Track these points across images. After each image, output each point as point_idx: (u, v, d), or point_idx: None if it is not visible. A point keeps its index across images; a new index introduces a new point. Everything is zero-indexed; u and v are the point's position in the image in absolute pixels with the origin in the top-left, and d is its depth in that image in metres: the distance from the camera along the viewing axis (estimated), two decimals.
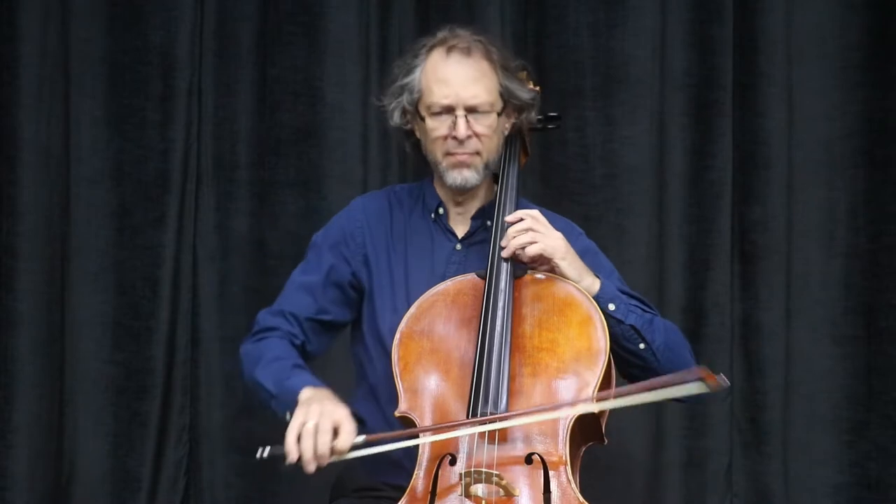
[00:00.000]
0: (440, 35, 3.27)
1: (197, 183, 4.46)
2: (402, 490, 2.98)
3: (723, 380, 2.89)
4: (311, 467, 2.89)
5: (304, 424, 2.90)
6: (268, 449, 2.90)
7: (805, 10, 4.35)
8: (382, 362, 3.20)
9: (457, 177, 3.23)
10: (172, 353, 4.43)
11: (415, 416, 3.00)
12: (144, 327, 4.42)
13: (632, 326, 3.13)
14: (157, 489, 4.41)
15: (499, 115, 3.23)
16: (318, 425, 2.89)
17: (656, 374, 3.13)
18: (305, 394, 3.01)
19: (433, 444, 2.96)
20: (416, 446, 2.98)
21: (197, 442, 4.44)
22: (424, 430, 2.98)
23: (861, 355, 4.31)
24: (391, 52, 4.40)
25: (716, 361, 4.33)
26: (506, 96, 3.25)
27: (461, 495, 2.88)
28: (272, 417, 4.26)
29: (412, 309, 3.12)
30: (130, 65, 4.43)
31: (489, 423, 2.91)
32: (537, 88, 3.37)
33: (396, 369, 3.05)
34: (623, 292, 3.20)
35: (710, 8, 4.37)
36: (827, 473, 4.31)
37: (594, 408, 2.95)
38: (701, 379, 2.89)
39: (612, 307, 3.11)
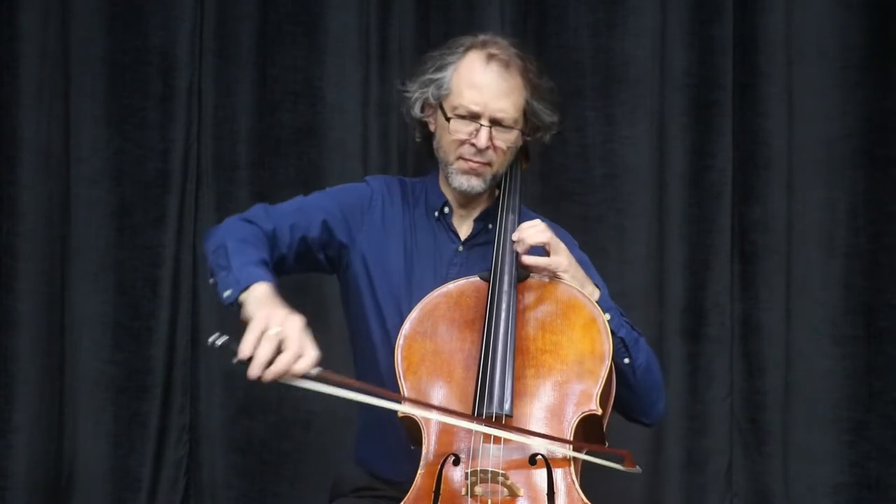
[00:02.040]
0: (482, 38, 3.25)
1: (197, 183, 4.46)
2: (402, 490, 2.98)
3: (637, 470, 2.99)
4: (255, 373, 2.74)
5: (267, 327, 2.77)
6: (223, 338, 2.76)
7: (805, 10, 4.36)
8: (386, 358, 3.18)
9: (464, 182, 3.24)
10: (172, 353, 4.43)
11: (418, 417, 2.99)
12: (144, 327, 4.42)
13: (621, 339, 3.14)
14: (157, 489, 4.42)
15: (521, 133, 3.24)
16: (285, 340, 2.77)
17: (631, 391, 3.17)
18: (260, 288, 2.90)
19: (437, 444, 2.95)
20: (418, 447, 2.97)
21: (197, 442, 4.44)
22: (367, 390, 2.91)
23: (861, 355, 4.31)
24: (391, 52, 4.41)
25: (716, 361, 4.34)
26: (528, 115, 3.24)
27: (465, 495, 2.88)
28: (271, 418, 4.29)
29: (415, 311, 3.11)
30: (130, 65, 4.44)
31: (488, 425, 2.91)
32: (557, 118, 3.32)
33: (400, 370, 3.04)
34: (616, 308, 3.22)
35: (710, 8, 4.38)
36: (827, 473, 4.32)
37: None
38: (621, 458, 2.98)
39: (607, 317, 3.12)
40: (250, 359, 2.75)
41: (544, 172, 4.38)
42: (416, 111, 3.29)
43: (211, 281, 3.04)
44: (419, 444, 2.98)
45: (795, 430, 4.34)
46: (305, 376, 2.78)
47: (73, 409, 4.41)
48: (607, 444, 3.05)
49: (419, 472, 2.95)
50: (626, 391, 3.16)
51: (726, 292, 4.37)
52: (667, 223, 4.39)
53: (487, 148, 3.20)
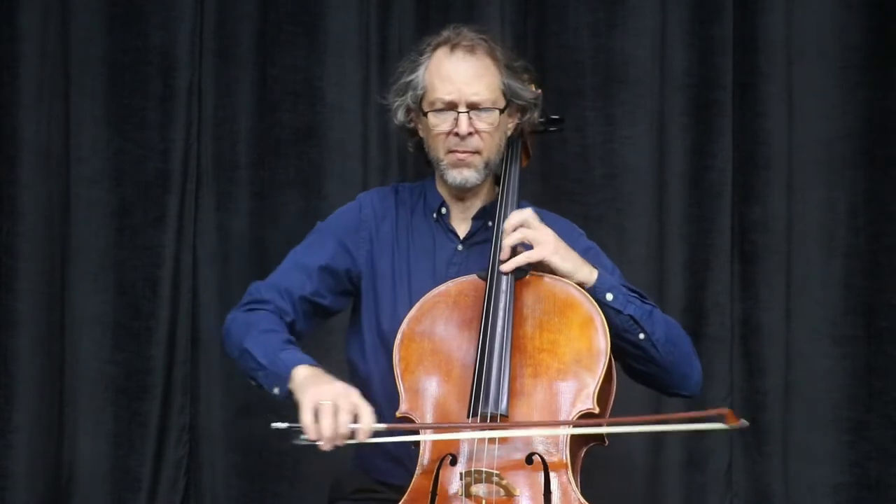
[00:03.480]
0: (444, 34, 3.27)
1: (197, 183, 4.46)
2: (400, 491, 2.98)
3: (744, 424, 2.86)
4: (327, 446, 2.86)
5: (318, 403, 2.86)
6: (283, 424, 2.86)
7: (805, 10, 4.35)
8: (381, 361, 3.20)
9: (457, 176, 3.23)
10: (172, 353, 4.43)
11: (415, 417, 3.00)
12: (144, 327, 4.43)
13: (630, 316, 3.12)
14: (157, 489, 4.42)
15: (501, 112, 3.23)
16: (337, 405, 2.86)
17: (657, 366, 3.15)
18: (302, 372, 2.98)
19: (434, 444, 2.96)
20: (417, 447, 2.98)
21: (197, 442, 4.44)
22: (445, 428, 2.97)
23: (861, 355, 4.31)
24: (391, 52, 4.41)
25: (716, 361, 4.34)
26: (508, 95, 3.24)
27: (462, 495, 2.88)
28: (271, 419, 4.28)
29: (413, 310, 3.11)
30: (130, 65, 4.44)
31: (498, 429, 2.91)
32: (539, 91, 3.37)
33: (398, 370, 3.05)
34: (623, 286, 3.19)
35: (710, 8, 4.37)
36: (827, 473, 4.31)
37: (602, 430, 2.95)
38: (722, 417, 2.85)
39: (609, 297, 3.11)
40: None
41: (544, 172, 4.38)
42: (400, 118, 3.29)
43: (254, 384, 3.11)
44: (417, 444, 2.98)
45: (795, 430, 4.34)
46: (376, 433, 2.89)
47: (73, 409, 4.41)
48: (607, 443, 3.04)
49: (416, 472, 2.96)
50: (653, 368, 3.15)
51: (726, 292, 4.36)
52: (667, 223, 4.39)
53: (471, 134, 3.20)
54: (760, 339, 4.36)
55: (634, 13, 4.39)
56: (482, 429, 2.92)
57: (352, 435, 2.86)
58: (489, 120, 3.21)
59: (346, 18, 4.44)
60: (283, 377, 2.99)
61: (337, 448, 2.88)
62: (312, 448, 2.87)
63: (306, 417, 2.86)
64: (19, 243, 4.34)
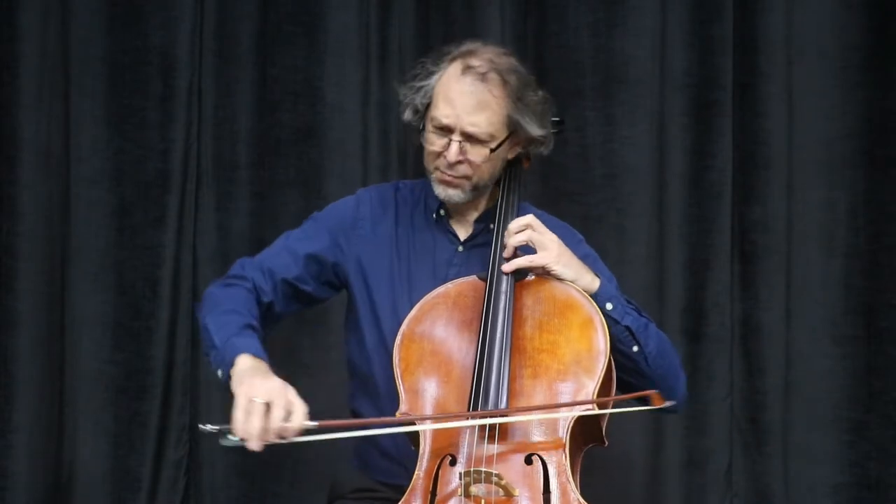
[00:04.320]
0: (465, 47, 3.20)
1: (197, 183, 4.46)
2: (399, 490, 2.98)
3: (669, 403, 2.94)
4: (253, 445, 2.80)
5: (251, 401, 2.82)
6: (214, 427, 2.82)
7: (805, 10, 4.35)
8: (383, 361, 3.19)
9: (441, 192, 3.22)
10: (172, 353, 4.44)
11: (415, 418, 2.99)
12: (144, 327, 4.43)
13: (627, 328, 3.12)
14: (157, 489, 4.42)
15: (493, 150, 3.17)
16: (270, 402, 2.81)
17: (646, 379, 3.14)
18: (244, 362, 2.94)
19: (434, 444, 2.95)
20: (417, 447, 2.98)
21: (197, 442, 4.44)
22: (377, 423, 2.97)
23: (861, 355, 4.31)
24: (391, 52, 4.41)
25: (716, 361, 4.34)
26: (512, 128, 3.18)
27: (461, 495, 2.88)
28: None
29: (413, 311, 3.11)
30: (130, 65, 4.44)
31: (478, 418, 2.91)
32: (549, 131, 3.30)
33: (398, 371, 3.04)
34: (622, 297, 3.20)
35: (710, 8, 4.37)
36: (827, 473, 4.32)
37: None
38: (646, 400, 2.95)
39: (609, 306, 3.11)
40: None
41: (544, 172, 4.37)
42: (407, 116, 3.26)
43: (207, 361, 3.09)
44: (416, 444, 2.98)
45: (795, 430, 4.34)
46: (307, 431, 2.83)
47: (73, 409, 4.41)
48: (607, 443, 3.05)
49: (416, 472, 2.95)
50: (641, 380, 3.14)
51: (726, 292, 4.36)
52: (667, 223, 4.39)
53: (459, 162, 3.16)
54: (760, 339, 4.36)
55: (634, 13, 4.39)
56: (460, 418, 2.92)
57: (282, 433, 2.82)
58: (481, 153, 3.16)
59: (346, 18, 4.44)
60: (228, 362, 2.96)
61: (266, 447, 2.81)
62: (242, 448, 2.82)
63: (238, 414, 2.82)
64: (19, 243, 4.35)
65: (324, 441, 2.88)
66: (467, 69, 3.15)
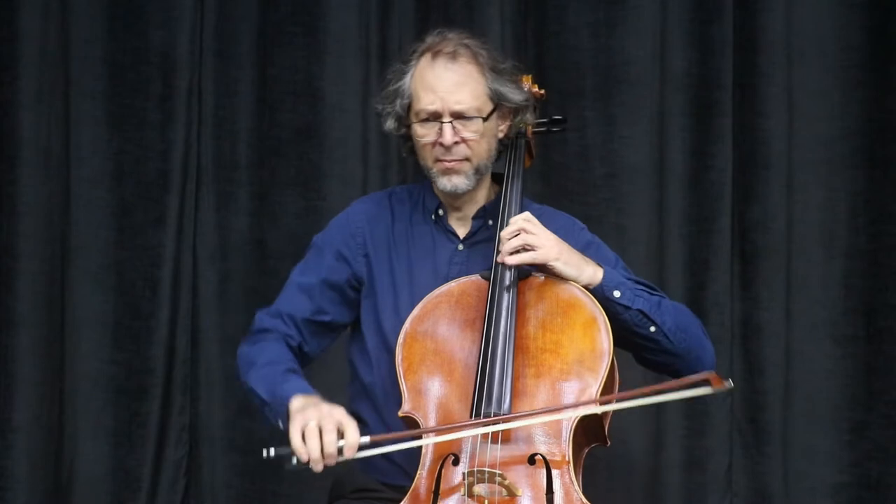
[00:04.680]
0: (429, 39, 3.24)
1: (197, 183, 4.46)
2: (401, 491, 2.99)
3: (728, 382, 2.88)
4: (318, 467, 2.88)
5: (306, 426, 2.89)
6: (273, 450, 2.89)
7: (805, 10, 4.36)
8: (384, 362, 3.20)
9: (447, 183, 3.22)
10: (172, 353, 4.43)
11: (418, 417, 3.00)
12: (144, 327, 4.43)
13: (640, 311, 3.11)
14: (157, 489, 4.42)
15: (485, 119, 3.19)
16: (322, 425, 2.88)
17: (671, 355, 3.14)
18: (297, 402, 2.99)
19: (437, 444, 2.96)
20: (419, 447, 2.98)
21: (197, 442, 4.44)
22: (428, 431, 2.98)
23: (861, 355, 4.31)
24: (391, 52, 4.41)
25: (716, 361, 4.33)
26: (496, 99, 3.21)
27: (464, 495, 2.88)
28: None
29: (416, 310, 3.11)
30: (130, 65, 4.44)
31: (493, 424, 2.91)
32: (542, 91, 3.36)
33: (400, 370, 3.05)
34: (629, 279, 3.19)
35: (710, 8, 4.38)
36: (827, 473, 4.32)
37: (598, 409, 2.95)
38: (707, 382, 2.88)
39: (617, 294, 3.10)
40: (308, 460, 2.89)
41: (545, 172, 4.38)
42: (390, 125, 3.27)
43: (266, 418, 3.14)
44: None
45: (795, 430, 4.34)
46: (361, 447, 2.91)
47: (73, 409, 4.41)
48: (609, 443, 3.05)
49: (418, 472, 2.96)
50: (667, 357, 3.15)
51: (726, 292, 4.36)
52: (667, 223, 4.39)
53: (457, 143, 3.17)
54: (760, 339, 4.36)
55: (634, 13, 4.39)
56: (478, 426, 2.92)
57: (340, 452, 2.88)
58: (473, 128, 3.18)
59: (346, 18, 4.44)
60: (283, 413, 3.01)
61: (328, 467, 2.90)
62: (307, 471, 2.89)
63: (295, 441, 2.89)
64: (19, 243, 4.34)
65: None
66: (437, 54, 3.19)
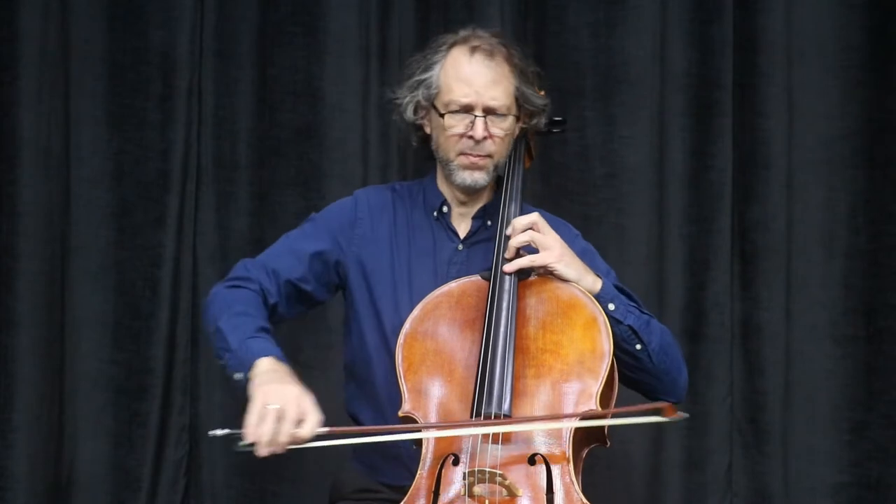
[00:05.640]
0: (462, 34, 3.27)
1: (197, 183, 4.46)
2: (401, 491, 2.98)
3: (682, 414, 2.91)
4: (262, 452, 2.82)
5: (265, 406, 2.83)
6: (224, 431, 2.83)
7: (805, 10, 4.36)
8: (384, 362, 3.19)
9: (467, 177, 3.23)
10: (172, 353, 4.43)
11: (418, 417, 3.00)
12: (144, 327, 4.42)
13: (630, 327, 3.13)
14: (157, 489, 4.41)
15: (516, 119, 3.25)
16: (284, 411, 2.82)
17: (649, 374, 3.16)
18: (263, 365, 2.94)
19: (437, 444, 2.95)
20: (419, 447, 2.98)
21: (197, 442, 4.44)
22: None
23: (861, 355, 4.32)
24: (391, 52, 4.41)
25: (715, 361, 4.34)
26: (521, 101, 3.25)
27: (464, 495, 2.88)
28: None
29: (416, 310, 3.11)
30: (130, 65, 4.44)
31: (477, 426, 2.91)
32: (547, 99, 3.37)
33: (400, 370, 3.04)
34: (620, 290, 3.20)
35: (710, 8, 4.38)
36: (827, 473, 4.32)
37: (577, 424, 2.95)
38: (659, 411, 2.91)
39: (611, 307, 3.12)
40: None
41: (545, 172, 4.38)
42: (409, 115, 3.28)
43: (221, 364, 3.07)
44: (419, 444, 2.98)
45: (795, 430, 4.34)
46: (316, 437, 2.83)
47: (73, 409, 4.41)
48: (609, 443, 3.05)
49: (418, 472, 2.95)
50: (645, 376, 3.16)
51: (726, 292, 4.37)
52: (667, 223, 4.39)
53: (485, 138, 3.20)
54: (760, 339, 4.36)
55: (634, 13, 4.39)
56: (473, 426, 2.92)
57: (291, 441, 2.82)
58: (504, 126, 3.22)
59: (346, 18, 4.44)
60: (247, 365, 2.96)
61: (275, 453, 2.83)
62: (250, 452, 2.82)
63: (251, 418, 2.82)
64: (19, 243, 4.34)
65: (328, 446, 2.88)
66: (474, 49, 3.22)
